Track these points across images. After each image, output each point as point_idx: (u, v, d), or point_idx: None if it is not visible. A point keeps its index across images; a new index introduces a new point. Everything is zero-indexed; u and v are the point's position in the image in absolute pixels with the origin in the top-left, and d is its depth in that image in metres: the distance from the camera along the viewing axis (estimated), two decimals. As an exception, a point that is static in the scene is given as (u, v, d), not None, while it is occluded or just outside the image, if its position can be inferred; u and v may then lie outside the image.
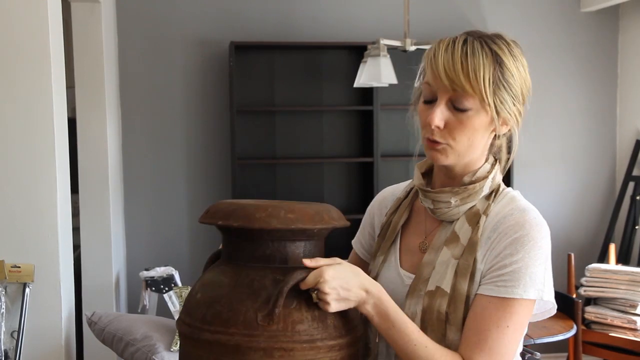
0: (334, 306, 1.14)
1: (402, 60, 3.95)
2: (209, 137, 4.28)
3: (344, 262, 1.18)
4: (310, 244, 1.22)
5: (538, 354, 2.60)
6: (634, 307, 3.64)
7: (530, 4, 4.48)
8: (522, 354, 2.66)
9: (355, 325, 1.23)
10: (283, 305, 1.13)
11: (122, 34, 4.15)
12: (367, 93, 4.20)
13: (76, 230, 3.40)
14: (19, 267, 2.62)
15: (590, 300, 3.90)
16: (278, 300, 1.12)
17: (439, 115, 1.20)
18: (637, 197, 4.32)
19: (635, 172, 4.42)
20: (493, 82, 1.18)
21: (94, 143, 3.66)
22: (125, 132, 4.18)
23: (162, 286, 3.63)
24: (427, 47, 3.42)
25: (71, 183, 2.89)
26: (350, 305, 1.16)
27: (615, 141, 4.62)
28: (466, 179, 1.27)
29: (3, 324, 2.59)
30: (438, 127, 1.21)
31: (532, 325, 3.06)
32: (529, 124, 5.00)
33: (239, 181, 4.15)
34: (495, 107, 1.20)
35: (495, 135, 1.27)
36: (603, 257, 4.32)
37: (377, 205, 1.46)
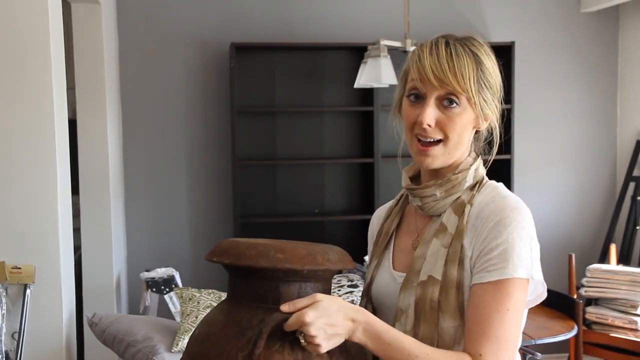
0: (325, 346, 1.13)
1: (403, 60, 3.93)
2: (210, 138, 4.28)
3: (324, 298, 1.14)
4: (308, 285, 1.19)
5: (539, 354, 2.59)
6: (635, 307, 3.64)
7: (530, 4, 4.48)
8: (523, 355, 2.66)
9: None
10: (266, 346, 1.12)
11: (122, 35, 4.15)
12: (368, 94, 4.20)
13: (77, 231, 3.41)
14: (20, 268, 2.62)
15: (591, 301, 3.90)
16: (258, 341, 1.11)
17: (430, 114, 1.26)
18: (638, 198, 4.32)
19: (635, 173, 4.42)
20: (477, 82, 1.26)
21: (94, 144, 3.66)
22: (126, 133, 4.18)
23: (162, 287, 3.63)
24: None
25: (72, 184, 2.89)
26: (342, 339, 1.14)
27: (615, 141, 4.62)
28: (449, 173, 1.32)
29: (4, 325, 2.59)
30: (429, 125, 1.26)
31: (532, 325, 3.06)
32: (530, 125, 4.98)
33: (240, 182, 4.15)
34: (480, 104, 1.27)
35: (476, 131, 1.34)
36: (604, 258, 4.32)
37: (375, 222, 1.53)
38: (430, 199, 1.32)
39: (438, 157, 1.28)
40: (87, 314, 2.89)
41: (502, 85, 1.33)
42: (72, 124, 3.39)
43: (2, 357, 2.57)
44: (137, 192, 4.23)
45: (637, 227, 4.30)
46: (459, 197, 1.31)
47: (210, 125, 4.27)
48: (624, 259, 4.27)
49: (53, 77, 2.61)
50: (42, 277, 2.65)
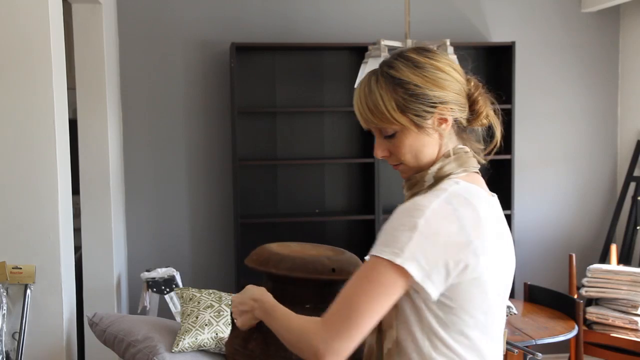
0: (239, 320, 1.43)
1: (403, 61, 3.95)
2: (210, 138, 4.28)
3: (250, 286, 1.43)
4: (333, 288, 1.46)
5: (539, 354, 2.59)
6: (635, 307, 3.64)
7: (530, 4, 4.48)
8: (524, 355, 2.66)
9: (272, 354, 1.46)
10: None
11: (123, 36, 4.15)
12: (368, 94, 4.19)
13: (77, 231, 3.41)
14: (21, 268, 2.62)
15: (591, 301, 3.90)
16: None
17: (379, 147, 1.36)
18: (639, 198, 4.32)
19: (636, 173, 4.42)
20: (398, 105, 1.29)
21: (95, 144, 3.66)
22: (126, 133, 4.18)
23: (163, 287, 3.63)
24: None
25: (72, 184, 2.89)
26: (250, 315, 1.40)
27: (616, 141, 4.62)
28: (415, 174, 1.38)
29: (4, 325, 2.59)
30: (384, 157, 1.36)
31: (533, 325, 3.06)
32: (530, 124, 4.98)
33: (240, 182, 4.15)
34: (413, 121, 1.30)
35: (444, 131, 1.33)
36: (604, 258, 4.32)
37: None
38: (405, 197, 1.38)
39: (407, 172, 1.36)
40: (87, 314, 2.89)
41: (448, 77, 1.31)
42: (73, 124, 3.39)
43: (2, 357, 2.57)
44: (137, 192, 4.23)
45: (638, 227, 4.30)
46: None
47: (210, 125, 4.27)
48: (624, 259, 4.27)
49: (53, 77, 2.61)
50: (42, 277, 2.65)
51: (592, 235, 4.60)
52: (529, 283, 3.59)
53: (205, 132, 4.27)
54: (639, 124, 4.46)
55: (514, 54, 4.19)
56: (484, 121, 1.37)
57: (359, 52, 4.13)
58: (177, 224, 4.28)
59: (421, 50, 1.35)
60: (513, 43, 4.20)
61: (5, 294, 2.63)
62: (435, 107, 1.29)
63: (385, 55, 3.32)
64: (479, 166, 1.37)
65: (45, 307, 2.68)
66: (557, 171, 4.57)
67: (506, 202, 4.30)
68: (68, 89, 2.90)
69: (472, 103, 1.35)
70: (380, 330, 1.29)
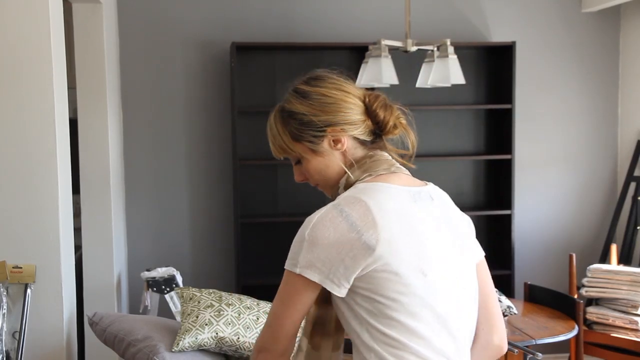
0: None
1: (404, 61, 3.95)
2: (210, 137, 4.28)
3: None
4: None
5: (540, 354, 2.59)
6: (636, 307, 3.64)
7: (531, 4, 4.48)
8: (524, 355, 2.66)
9: None
10: None
11: (123, 35, 4.15)
12: (369, 93, 4.19)
13: (77, 230, 3.41)
14: (21, 267, 2.62)
15: (591, 301, 3.90)
16: None
17: (296, 173, 1.49)
18: (639, 198, 4.32)
19: (636, 173, 4.42)
20: (292, 135, 1.43)
21: (95, 144, 3.67)
22: (127, 133, 4.18)
23: (163, 287, 3.63)
24: (428, 47, 3.43)
25: (72, 183, 2.89)
26: None
27: (616, 141, 4.62)
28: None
29: (5, 324, 2.59)
30: (303, 180, 1.48)
31: (533, 325, 3.06)
32: (530, 124, 4.98)
33: (240, 182, 4.15)
34: (309, 147, 1.42)
35: (340, 150, 1.42)
36: (604, 258, 4.31)
37: None
38: None
39: (326, 189, 1.48)
40: (87, 313, 2.89)
41: (330, 101, 1.41)
42: (73, 124, 3.39)
43: (2, 357, 2.57)
44: (137, 192, 4.23)
45: (638, 227, 4.30)
46: None
47: (210, 125, 4.27)
48: (624, 259, 4.27)
49: (54, 76, 2.61)
50: (42, 276, 2.65)
51: (592, 235, 4.60)
52: (529, 283, 3.59)
53: (206, 132, 4.27)
54: (639, 123, 4.46)
55: (514, 54, 4.19)
56: (395, 131, 1.46)
57: (359, 52, 4.12)
58: (177, 224, 4.28)
59: (310, 80, 1.47)
60: (513, 43, 4.20)
61: (5, 293, 2.63)
62: (324, 130, 1.40)
63: (385, 55, 3.32)
64: (393, 167, 1.43)
65: (45, 307, 2.68)
66: (557, 171, 4.57)
67: (506, 202, 4.30)
68: (68, 88, 2.90)
69: (372, 117, 1.43)
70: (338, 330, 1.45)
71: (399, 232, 1.31)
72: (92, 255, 3.69)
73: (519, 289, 4.23)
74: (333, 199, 1.41)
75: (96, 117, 3.66)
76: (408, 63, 4.03)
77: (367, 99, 1.44)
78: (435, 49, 3.39)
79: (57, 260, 2.66)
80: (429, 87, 3.48)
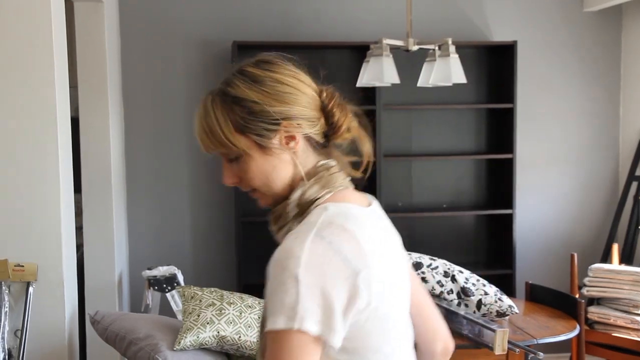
0: None
1: (405, 60, 3.95)
2: (212, 136, 4.27)
3: None
4: None
5: (541, 354, 2.59)
6: (637, 307, 3.64)
7: (532, 3, 4.48)
8: (525, 354, 2.66)
9: None
10: None
11: (125, 34, 4.16)
12: (370, 93, 4.19)
13: (79, 229, 3.42)
14: (23, 266, 2.62)
15: (593, 301, 3.90)
16: None
17: (227, 174, 1.21)
18: (640, 197, 4.32)
19: (638, 172, 4.41)
20: (237, 126, 1.15)
21: (96, 142, 3.67)
22: (128, 132, 4.19)
23: (164, 285, 3.63)
24: (429, 46, 3.43)
25: (74, 182, 2.89)
26: None
27: (618, 141, 4.62)
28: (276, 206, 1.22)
29: (6, 322, 2.59)
30: (234, 183, 1.21)
31: (534, 325, 3.06)
32: (532, 124, 4.97)
33: (242, 181, 4.15)
34: (256, 142, 1.16)
35: (293, 149, 1.18)
36: (606, 257, 4.31)
37: None
38: (276, 235, 1.21)
39: (264, 198, 1.22)
40: (89, 311, 2.89)
41: (290, 89, 1.18)
42: (75, 123, 3.39)
43: (5, 355, 2.58)
44: (139, 191, 4.24)
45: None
46: (290, 229, 1.16)
47: (212, 124, 4.27)
48: (626, 258, 4.27)
49: (55, 75, 2.61)
50: (44, 275, 2.66)
51: (593, 235, 4.60)
52: (530, 282, 3.59)
53: (207, 131, 4.27)
54: (641, 123, 4.46)
55: (515, 53, 4.19)
56: (346, 135, 1.23)
57: (360, 51, 4.12)
58: (179, 222, 4.29)
59: (261, 62, 1.20)
60: (515, 42, 4.20)
61: (7, 291, 2.63)
62: (278, 124, 1.15)
63: (386, 54, 3.32)
64: (346, 181, 1.24)
65: (47, 305, 2.68)
66: (558, 170, 4.57)
67: (507, 202, 4.30)
68: (70, 87, 2.90)
69: (327, 116, 1.21)
70: None
71: (384, 266, 1.13)
72: (94, 254, 3.70)
73: (520, 288, 4.23)
74: (275, 218, 1.20)
75: (97, 116, 3.66)
76: (409, 62, 4.03)
77: (323, 94, 1.22)
78: (437, 48, 3.39)
79: (58, 259, 2.67)
80: (430, 86, 3.48)
